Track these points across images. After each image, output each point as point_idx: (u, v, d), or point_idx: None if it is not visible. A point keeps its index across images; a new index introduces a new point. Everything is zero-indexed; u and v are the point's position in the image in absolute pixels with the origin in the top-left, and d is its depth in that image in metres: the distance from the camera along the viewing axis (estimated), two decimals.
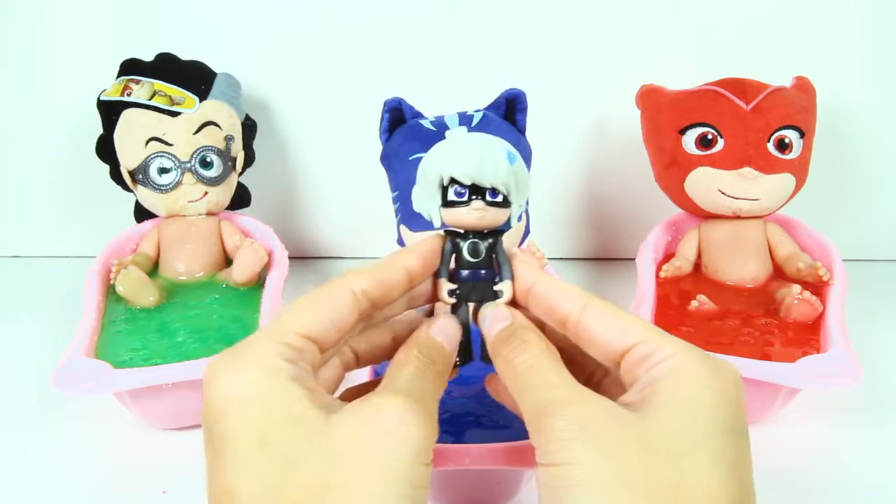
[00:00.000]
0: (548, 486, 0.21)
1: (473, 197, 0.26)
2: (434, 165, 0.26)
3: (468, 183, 0.26)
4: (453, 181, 0.26)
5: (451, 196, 0.26)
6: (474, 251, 0.27)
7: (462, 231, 0.27)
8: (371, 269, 0.25)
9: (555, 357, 0.24)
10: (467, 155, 0.26)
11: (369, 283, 0.25)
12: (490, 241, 0.27)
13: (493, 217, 0.26)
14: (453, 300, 0.27)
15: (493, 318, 0.26)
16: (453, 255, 0.27)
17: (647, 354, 0.23)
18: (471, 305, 0.28)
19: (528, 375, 0.23)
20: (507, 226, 0.27)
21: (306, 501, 0.19)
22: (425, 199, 0.27)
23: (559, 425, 0.21)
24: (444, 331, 0.26)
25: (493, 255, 0.27)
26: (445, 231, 0.27)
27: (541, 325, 0.26)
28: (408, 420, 0.21)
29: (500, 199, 0.26)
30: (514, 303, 0.27)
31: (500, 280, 0.27)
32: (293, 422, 0.21)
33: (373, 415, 0.21)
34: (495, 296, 0.27)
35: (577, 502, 0.20)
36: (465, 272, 0.27)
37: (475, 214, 0.26)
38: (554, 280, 0.26)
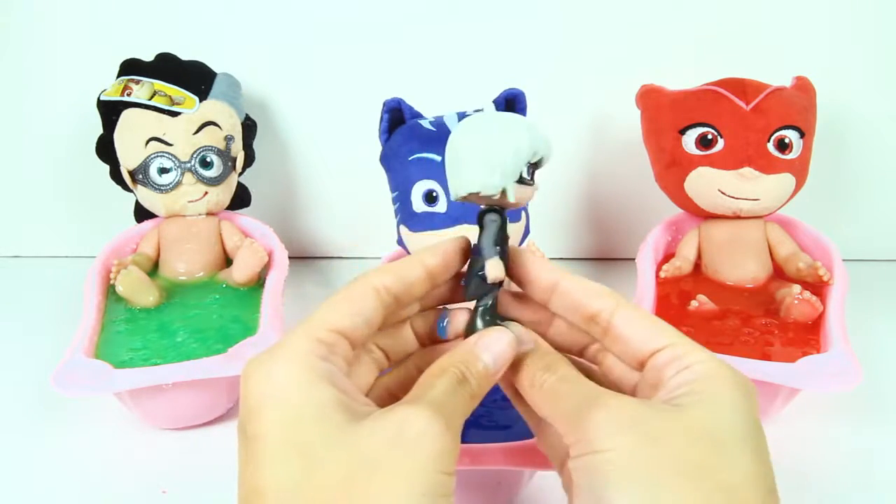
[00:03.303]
0: (586, 474, 0.21)
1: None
2: (527, 141, 0.25)
3: (542, 165, 0.26)
4: (534, 162, 0.26)
5: (525, 175, 0.26)
6: (507, 225, 0.27)
7: (492, 209, 0.26)
8: (391, 266, 0.25)
9: (580, 370, 0.25)
10: (544, 137, 0.26)
11: (390, 278, 0.25)
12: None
13: None
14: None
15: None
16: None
17: (678, 356, 0.23)
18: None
19: (566, 386, 0.24)
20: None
21: (328, 500, 0.20)
22: (503, 172, 0.25)
23: (601, 416, 0.21)
24: (492, 349, 0.25)
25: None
26: (488, 209, 0.26)
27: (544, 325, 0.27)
28: (432, 432, 0.21)
29: None
30: (522, 297, 0.27)
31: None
32: (319, 422, 0.21)
33: (399, 422, 0.21)
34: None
35: (617, 486, 0.20)
36: (501, 248, 0.26)
37: (534, 193, 0.26)
38: (581, 278, 0.26)
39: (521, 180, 0.25)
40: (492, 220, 0.26)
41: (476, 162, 0.25)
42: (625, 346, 0.25)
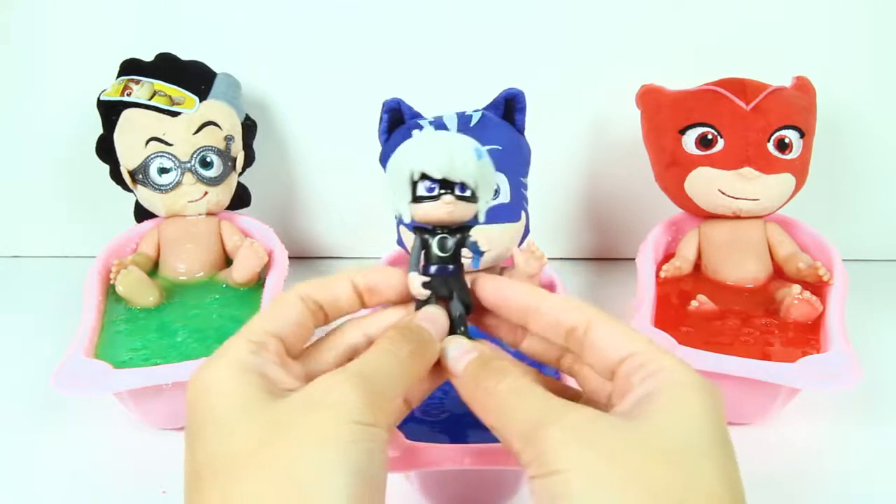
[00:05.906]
0: (546, 497, 0.21)
1: (443, 192, 0.27)
2: (404, 162, 0.27)
3: (439, 177, 0.26)
4: (424, 177, 0.27)
5: (422, 192, 0.27)
6: (443, 246, 0.27)
7: (430, 227, 0.28)
8: (318, 279, 0.27)
9: (537, 378, 0.25)
10: (438, 150, 0.27)
11: (314, 288, 0.27)
12: (458, 236, 0.28)
13: (463, 212, 0.27)
14: (427, 292, 0.28)
15: (460, 352, 0.26)
16: (423, 252, 0.28)
17: (643, 363, 0.23)
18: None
19: (515, 397, 0.23)
20: (474, 221, 0.28)
21: (244, 462, 0.21)
22: (396, 197, 0.28)
23: (555, 434, 0.21)
24: (430, 318, 0.27)
25: (461, 250, 0.28)
26: (415, 228, 0.28)
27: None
28: (346, 390, 0.22)
29: (468, 194, 0.27)
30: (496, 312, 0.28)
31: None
32: (237, 401, 0.22)
33: (315, 391, 0.22)
34: (464, 287, 0.28)
35: None
36: (434, 267, 0.28)
37: (446, 209, 0.27)
38: (558, 296, 0.27)
39: (416, 199, 0.27)
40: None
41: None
42: (597, 356, 0.25)
